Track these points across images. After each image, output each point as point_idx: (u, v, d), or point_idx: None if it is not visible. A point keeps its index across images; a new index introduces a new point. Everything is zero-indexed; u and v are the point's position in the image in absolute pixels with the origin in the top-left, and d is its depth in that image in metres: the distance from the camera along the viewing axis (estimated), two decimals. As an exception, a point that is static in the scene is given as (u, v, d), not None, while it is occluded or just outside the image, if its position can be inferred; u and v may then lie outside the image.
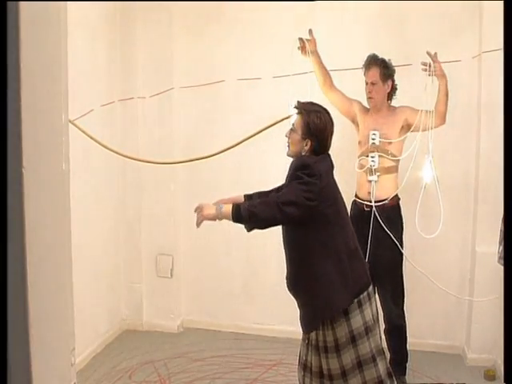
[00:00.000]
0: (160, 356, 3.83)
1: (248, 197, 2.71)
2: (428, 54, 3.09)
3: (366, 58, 3.31)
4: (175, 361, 3.76)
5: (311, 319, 2.41)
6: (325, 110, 2.41)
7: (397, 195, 3.28)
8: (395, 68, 3.31)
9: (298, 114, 2.41)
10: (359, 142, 3.37)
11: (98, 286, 3.94)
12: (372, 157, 3.25)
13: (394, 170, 3.27)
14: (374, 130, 3.27)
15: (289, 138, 2.44)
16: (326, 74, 3.38)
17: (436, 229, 3.17)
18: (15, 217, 0.80)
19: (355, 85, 3.41)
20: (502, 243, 2.91)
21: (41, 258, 0.86)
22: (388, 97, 3.32)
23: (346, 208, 2.52)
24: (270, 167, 4.02)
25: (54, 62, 0.90)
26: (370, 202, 3.22)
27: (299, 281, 2.43)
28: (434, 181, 3.19)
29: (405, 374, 3.35)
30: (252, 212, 2.28)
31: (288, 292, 2.52)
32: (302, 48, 3.26)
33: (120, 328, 4.27)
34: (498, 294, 3.12)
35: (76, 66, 3.29)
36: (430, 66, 3.08)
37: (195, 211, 2.41)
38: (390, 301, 3.32)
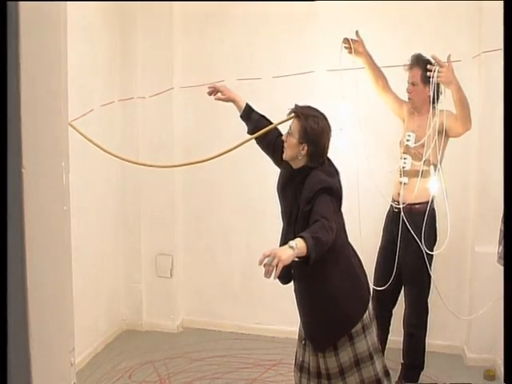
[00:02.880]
0: (160, 356, 3.83)
1: (249, 106, 2.78)
2: (433, 57, 2.93)
3: (410, 57, 3.21)
4: (175, 361, 3.76)
5: (327, 336, 2.38)
6: (322, 114, 2.41)
7: (431, 201, 3.18)
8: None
9: (295, 117, 2.41)
10: (400, 143, 3.32)
11: (97, 285, 3.94)
12: (405, 158, 3.20)
13: (427, 174, 3.15)
14: (411, 131, 3.21)
15: (285, 142, 2.44)
16: (378, 74, 3.31)
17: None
18: (15, 217, 0.80)
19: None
20: (502, 243, 2.91)
21: (41, 259, 0.86)
22: (432, 99, 3.14)
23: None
24: (268, 167, 4.01)
25: (53, 62, 0.90)
26: (399, 203, 3.18)
27: (311, 297, 2.43)
28: (442, 193, 3.10)
29: (415, 382, 3.33)
30: (317, 239, 2.09)
31: (287, 292, 2.52)
32: (349, 48, 3.20)
33: (120, 328, 4.26)
34: (497, 294, 3.11)
35: (76, 65, 3.29)
36: (434, 71, 2.92)
37: (264, 260, 1.99)
38: (409, 307, 3.32)
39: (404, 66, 3.23)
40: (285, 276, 2.44)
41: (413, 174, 3.17)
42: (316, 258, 2.09)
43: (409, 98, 3.26)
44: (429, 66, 2.96)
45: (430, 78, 3.04)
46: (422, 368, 3.34)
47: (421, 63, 3.13)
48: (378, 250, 3.38)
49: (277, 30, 3.98)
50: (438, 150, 3.07)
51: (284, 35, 3.97)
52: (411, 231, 3.13)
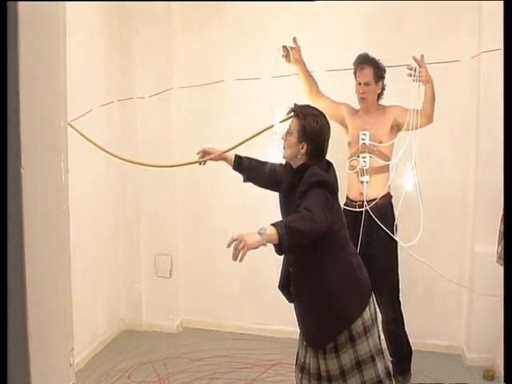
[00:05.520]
0: (159, 356, 3.83)
1: (239, 157, 2.73)
2: (414, 58, 2.99)
3: (356, 58, 3.28)
4: (174, 361, 3.76)
5: (324, 334, 2.37)
6: (322, 113, 2.42)
7: (389, 194, 3.28)
8: (386, 68, 3.29)
9: (294, 116, 2.41)
10: (349, 144, 3.35)
11: (96, 286, 3.94)
12: (363, 157, 3.24)
13: (385, 169, 3.26)
14: (364, 130, 3.26)
15: (285, 141, 2.44)
16: (311, 81, 3.38)
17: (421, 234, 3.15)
18: (14, 217, 0.80)
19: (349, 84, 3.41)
20: (501, 243, 2.92)
21: (40, 258, 0.86)
22: (377, 97, 3.31)
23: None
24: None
25: (52, 62, 0.90)
26: (362, 202, 3.21)
27: (308, 294, 2.42)
28: (416, 188, 3.10)
29: (407, 374, 3.35)
30: (291, 228, 2.09)
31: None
32: (286, 56, 3.26)
33: (119, 328, 4.26)
34: (497, 294, 3.12)
35: (75, 66, 3.28)
36: (415, 70, 2.98)
37: (232, 244, 2.20)
38: (386, 304, 3.30)
39: (354, 68, 3.29)
40: (289, 292, 2.45)
41: (374, 171, 3.23)
42: (290, 246, 2.11)
43: (362, 98, 3.29)
44: (407, 67, 3.01)
45: (380, 76, 3.23)
46: (411, 354, 3.36)
47: (371, 62, 3.23)
48: None
49: (276, 29, 3.98)
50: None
51: (284, 35, 3.95)
52: (382, 226, 3.16)
